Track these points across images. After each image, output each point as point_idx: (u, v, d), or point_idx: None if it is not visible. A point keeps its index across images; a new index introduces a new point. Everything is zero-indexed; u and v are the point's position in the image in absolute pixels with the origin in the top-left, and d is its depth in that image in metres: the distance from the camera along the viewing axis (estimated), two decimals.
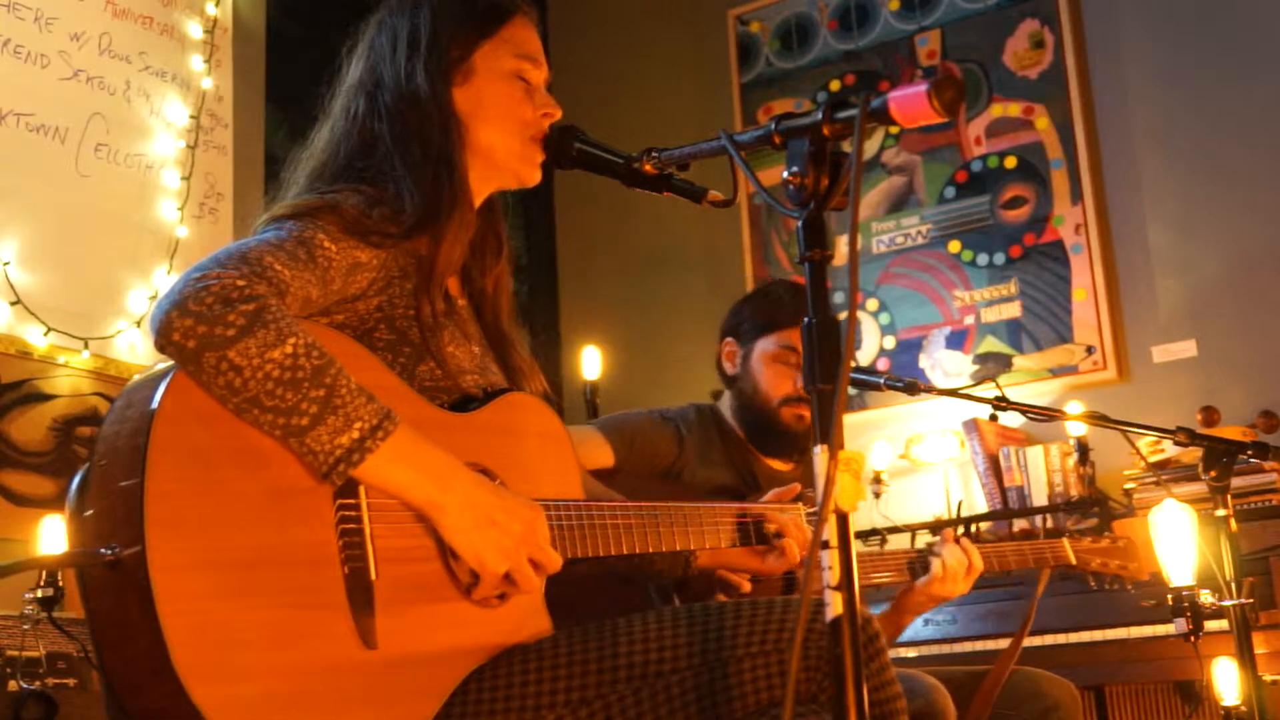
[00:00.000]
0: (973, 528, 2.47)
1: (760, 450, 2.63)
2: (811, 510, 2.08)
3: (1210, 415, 3.54)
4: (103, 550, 1.33)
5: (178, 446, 1.35)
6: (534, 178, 1.80)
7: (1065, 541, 2.56)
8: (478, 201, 1.79)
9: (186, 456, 1.36)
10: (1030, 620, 2.52)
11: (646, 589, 2.18)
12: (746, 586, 2.14)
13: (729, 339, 2.71)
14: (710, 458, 2.57)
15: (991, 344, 4.23)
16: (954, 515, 2.47)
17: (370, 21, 1.83)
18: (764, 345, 2.62)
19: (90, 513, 1.38)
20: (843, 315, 3.92)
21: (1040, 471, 3.82)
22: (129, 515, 1.32)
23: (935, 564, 2.32)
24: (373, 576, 1.45)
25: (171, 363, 1.40)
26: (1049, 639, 3.30)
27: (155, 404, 1.36)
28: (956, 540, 2.37)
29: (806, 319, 1.30)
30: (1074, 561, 2.55)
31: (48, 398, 3.24)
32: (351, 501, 1.45)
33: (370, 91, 1.74)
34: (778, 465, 2.64)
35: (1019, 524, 3.78)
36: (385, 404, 1.45)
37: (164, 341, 1.39)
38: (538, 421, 1.75)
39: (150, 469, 1.32)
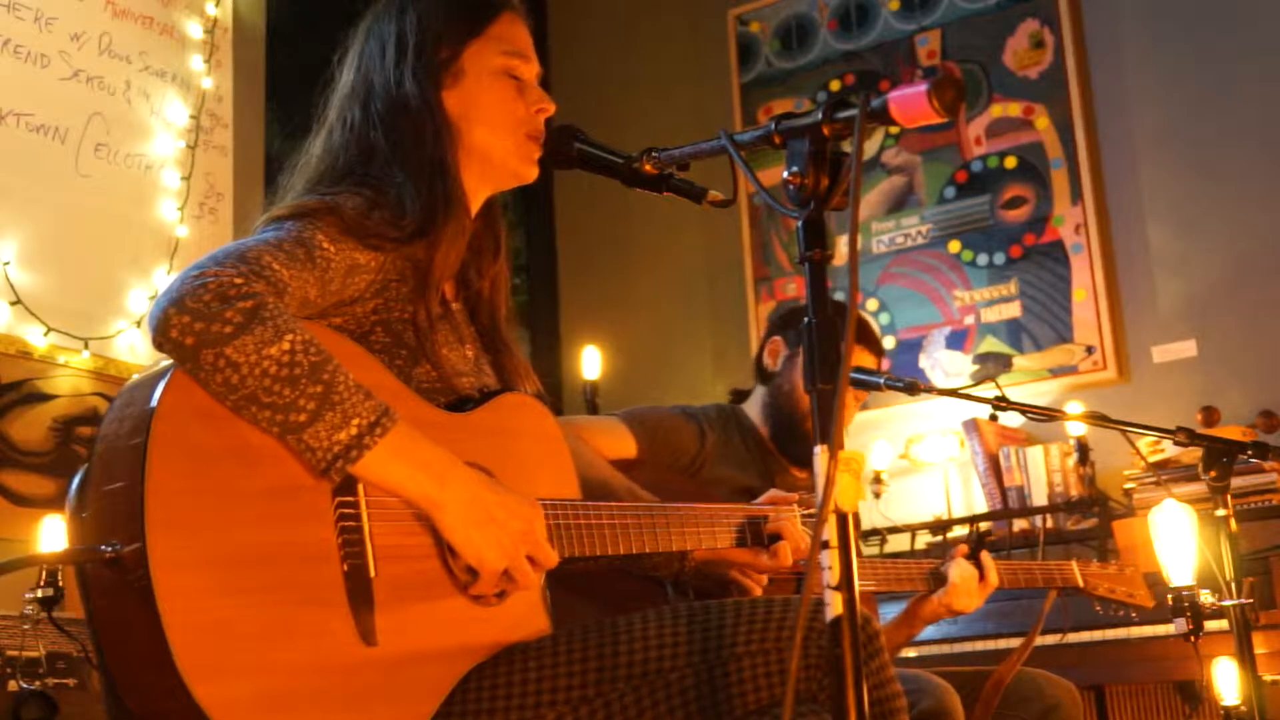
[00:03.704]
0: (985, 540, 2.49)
1: (781, 452, 2.63)
2: (808, 511, 2.09)
3: (1210, 415, 3.54)
4: (103, 548, 1.33)
5: (177, 444, 1.35)
6: (531, 174, 1.80)
7: (1074, 564, 2.60)
8: (476, 203, 1.79)
9: (186, 454, 1.36)
10: (1034, 637, 2.53)
11: (662, 586, 2.18)
12: (758, 591, 2.14)
13: (777, 337, 2.71)
14: (730, 458, 2.57)
15: (991, 344, 4.23)
16: (976, 544, 2.49)
17: (359, 28, 1.83)
18: None
19: (90, 511, 1.38)
20: None
21: (1040, 471, 3.82)
22: (129, 513, 1.32)
23: (953, 574, 2.34)
24: (372, 574, 1.45)
25: (171, 361, 1.41)
26: (1049, 639, 3.30)
27: (154, 402, 1.36)
28: (973, 554, 2.38)
29: (806, 319, 1.29)
30: (1081, 585, 2.59)
31: (48, 398, 3.23)
32: (350, 499, 1.46)
33: (364, 100, 1.74)
34: (797, 472, 2.64)
35: (1019, 524, 3.78)
36: (384, 402, 1.46)
37: (161, 339, 1.39)
38: (534, 422, 1.75)
39: (150, 467, 1.32)
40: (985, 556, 2.39)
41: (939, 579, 2.37)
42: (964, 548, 2.42)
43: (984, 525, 3.74)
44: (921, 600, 2.39)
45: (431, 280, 1.66)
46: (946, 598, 2.35)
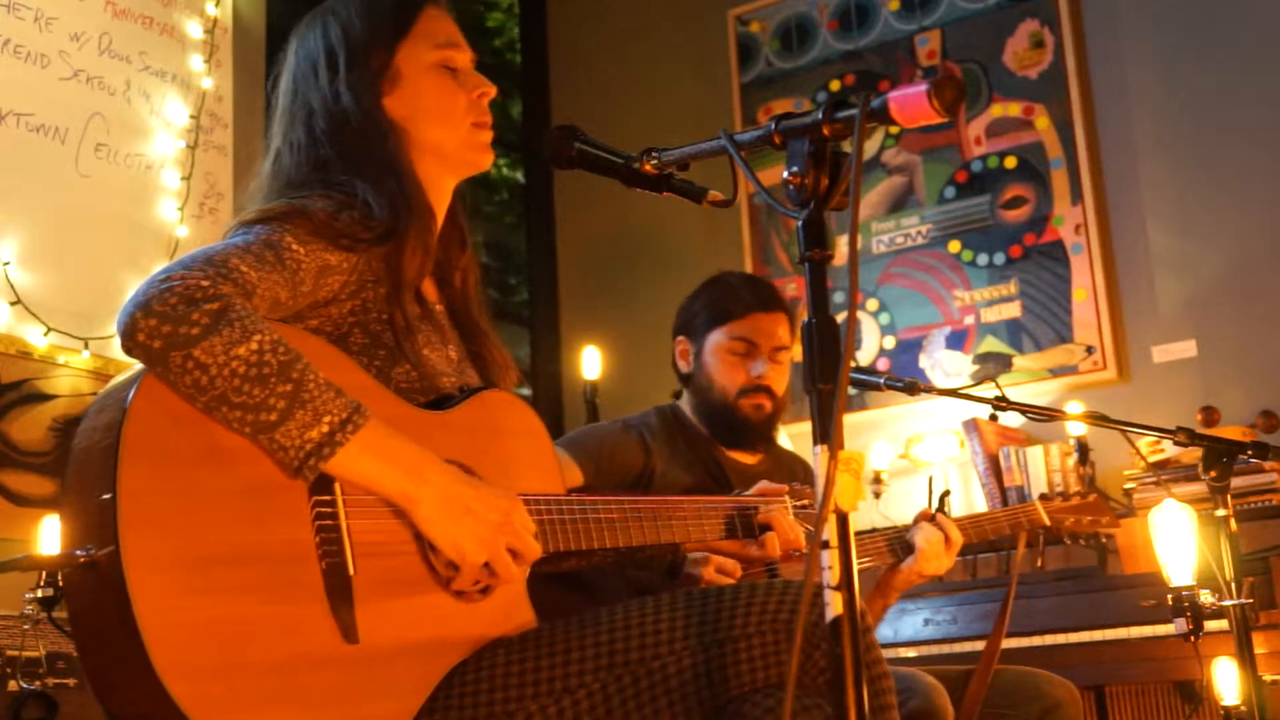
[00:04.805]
0: (947, 503, 2.48)
1: (724, 444, 2.62)
2: (798, 503, 2.10)
3: (1210, 415, 3.54)
4: (78, 552, 1.33)
5: (149, 447, 1.36)
6: (486, 161, 1.81)
7: (1038, 504, 2.58)
8: (442, 198, 1.80)
9: (158, 457, 1.36)
10: (1013, 590, 2.53)
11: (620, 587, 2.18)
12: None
13: (681, 337, 2.71)
14: (677, 459, 2.56)
15: (991, 344, 4.23)
16: (936, 501, 2.48)
17: (286, 50, 1.83)
18: (715, 338, 2.63)
19: (68, 516, 1.39)
20: (842, 315, 3.92)
21: (1040, 471, 3.82)
22: (102, 517, 1.32)
23: (919, 539, 2.34)
24: (351, 571, 1.45)
25: (143, 365, 1.41)
26: (1049, 639, 3.30)
27: (126, 405, 1.36)
28: (932, 518, 2.38)
29: (806, 319, 1.30)
30: (1048, 522, 2.57)
31: (48, 398, 3.23)
32: (327, 498, 1.46)
33: (305, 121, 1.74)
34: (743, 458, 2.63)
35: None
36: (357, 400, 1.46)
37: (130, 343, 1.40)
38: (515, 419, 1.75)
39: (123, 470, 1.33)
40: (941, 519, 2.38)
41: (906, 547, 2.36)
42: (926, 511, 2.42)
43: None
44: (893, 571, 2.38)
45: (404, 281, 1.66)
46: (917, 564, 2.34)
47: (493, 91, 1.80)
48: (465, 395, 1.69)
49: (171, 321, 1.38)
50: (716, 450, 2.61)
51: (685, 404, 2.69)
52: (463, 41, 1.82)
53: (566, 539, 1.67)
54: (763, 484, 2.15)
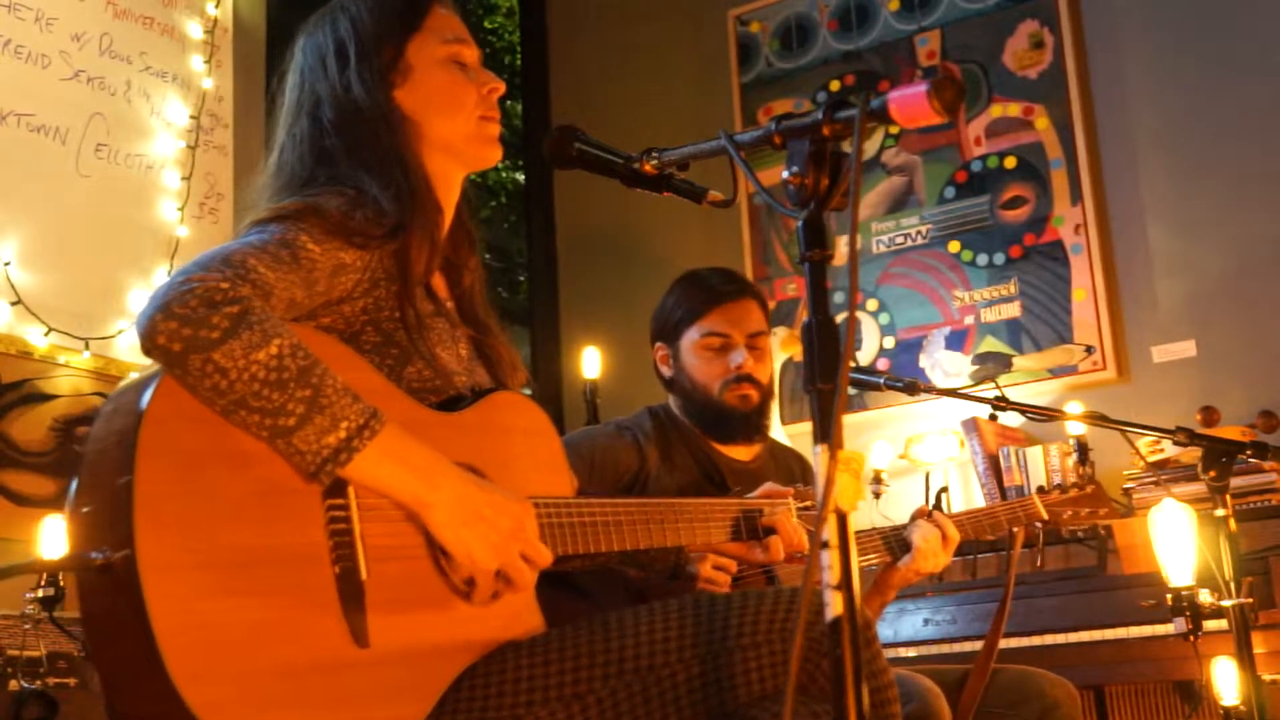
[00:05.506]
0: (945, 500, 2.46)
1: (717, 440, 2.61)
2: (803, 505, 2.09)
3: (1210, 415, 3.54)
4: (93, 554, 1.33)
5: (166, 449, 1.36)
6: (495, 155, 1.81)
7: (1035, 498, 2.56)
8: (451, 192, 1.80)
9: (175, 458, 1.36)
10: (1010, 587, 2.52)
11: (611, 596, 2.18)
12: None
13: (658, 344, 2.70)
14: (672, 460, 2.56)
15: (991, 344, 4.23)
16: (933, 498, 2.47)
17: (293, 49, 1.83)
18: (690, 337, 2.62)
19: (80, 517, 1.39)
20: (842, 315, 3.92)
21: (1040, 471, 3.82)
22: (118, 518, 1.32)
23: (916, 537, 2.33)
24: (363, 576, 1.45)
25: (160, 366, 1.41)
26: (1049, 639, 3.30)
27: (143, 406, 1.36)
28: (929, 516, 2.37)
29: (806, 319, 1.30)
30: (1046, 516, 2.53)
31: (48, 398, 3.24)
32: (340, 502, 1.46)
33: (311, 111, 1.74)
34: (739, 455, 2.62)
35: None
36: (372, 404, 1.46)
37: (149, 345, 1.39)
38: (525, 420, 1.75)
39: (139, 471, 1.32)
40: (938, 516, 2.38)
41: (903, 545, 2.36)
42: (923, 508, 2.41)
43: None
44: (890, 569, 2.37)
45: (412, 276, 1.66)
46: (914, 563, 2.33)
47: (502, 87, 1.80)
48: (476, 396, 1.69)
49: (192, 324, 1.37)
50: (710, 448, 2.61)
51: (674, 405, 2.69)
52: (470, 39, 1.83)
53: (575, 543, 1.67)
54: (768, 486, 2.15)
